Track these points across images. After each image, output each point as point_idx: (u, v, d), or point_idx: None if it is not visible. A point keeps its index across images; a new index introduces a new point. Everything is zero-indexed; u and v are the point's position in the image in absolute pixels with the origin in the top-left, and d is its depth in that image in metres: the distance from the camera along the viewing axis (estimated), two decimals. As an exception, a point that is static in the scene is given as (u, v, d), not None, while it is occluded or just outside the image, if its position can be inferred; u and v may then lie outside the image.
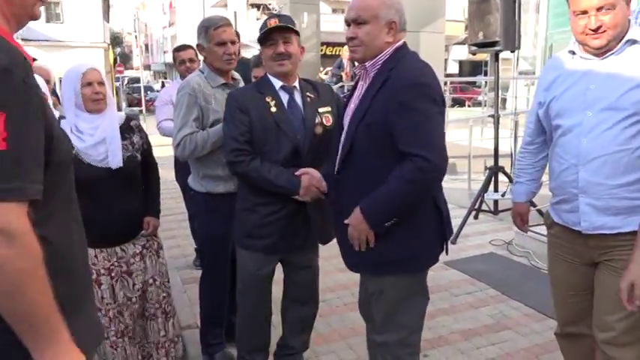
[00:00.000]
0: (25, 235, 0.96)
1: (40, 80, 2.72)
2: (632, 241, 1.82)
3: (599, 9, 1.78)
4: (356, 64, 2.08)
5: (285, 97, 2.33)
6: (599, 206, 1.88)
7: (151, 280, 2.53)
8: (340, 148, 1.97)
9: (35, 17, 1.22)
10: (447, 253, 2.05)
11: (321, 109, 2.35)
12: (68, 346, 1.05)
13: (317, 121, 2.33)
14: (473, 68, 35.97)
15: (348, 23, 1.92)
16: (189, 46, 4.17)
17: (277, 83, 2.33)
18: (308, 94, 2.38)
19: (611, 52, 1.85)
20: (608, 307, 1.93)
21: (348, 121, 1.96)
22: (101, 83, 2.32)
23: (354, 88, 2.05)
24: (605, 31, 1.80)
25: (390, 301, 1.99)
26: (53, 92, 3.44)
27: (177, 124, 2.56)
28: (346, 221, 1.88)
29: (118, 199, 2.36)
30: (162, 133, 4.27)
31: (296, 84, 2.38)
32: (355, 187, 1.90)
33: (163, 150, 5.08)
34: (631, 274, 1.75)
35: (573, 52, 1.96)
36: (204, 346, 2.92)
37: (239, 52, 2.78)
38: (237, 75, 2.85)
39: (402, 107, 1.77)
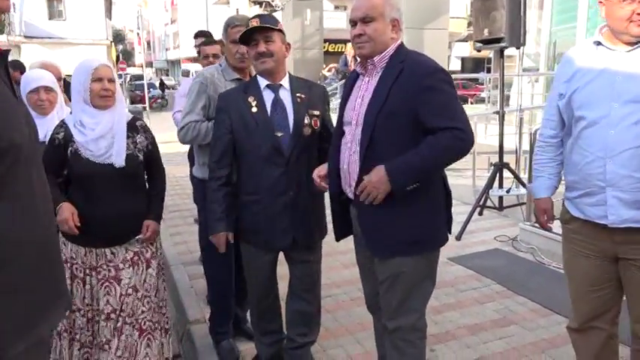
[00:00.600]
0: None
1: (49, 77, 2.75)
2: None
3: None
4: (358, 60, 2.14)
5: (269, 97, 2.36)
6: (627, 199, 1.87)
7: (130, 290, 2.40)
8: (359, 143, 2.01)
9: (3, 9, 1.25)
10: (450, 232, 2.16)
11: (311, 111, 2.38)
12: None
13: (307, 122, 2.35)
14: (475, 65, 35.89)
15: (354, 23, 2.02)
16: (219, 41, 4.19)
17: (263, 82, 2.38)
18: (299, 94, 2.39)
19: (638, 45, 1.86)
20: None
21: (362, 115, 2.00)
22: (111, 80, 2.31)
23: (353, 84, 2.12)
24: None
25: (405, 285, 2.06)
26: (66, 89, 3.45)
27: (186, 108, 2.70)
28: (365, 178, 1.92)
29: (113, 198, 2.32)
30: (176, 124, 4.30)
31: (284, 82, 2.39)
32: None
33: (171, 147, 5.10)
34: None
35: (598, 43, 1.96)
36: (212, 335, 3.03)
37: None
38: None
39: (429, 90, 1.89)
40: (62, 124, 2.36)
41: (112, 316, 2.38)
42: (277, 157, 2.31)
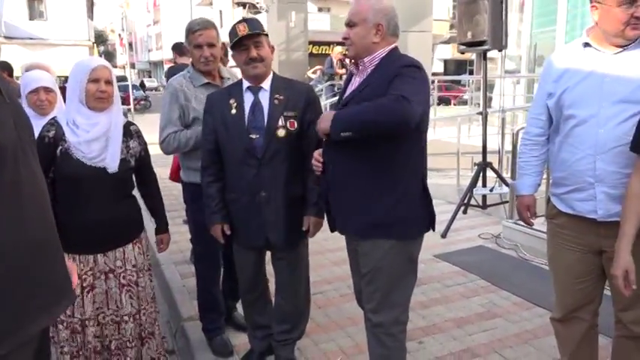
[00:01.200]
0: None
1: (49, 77, 2.79)
2: None
3: None
4: (347, 62, 2.29)
5: (249, 99, 2.43)
6: (615, 194, 1.98)
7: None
8: None
9: None
10: (433, 230, 2.24)
11: (287, 113, 2.41)
12: None
13: (280, 123, 2.39)
14: (458, 67, 36.30)
15: (346, 25, 2.15)
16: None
17: (245, 85, 2.45)
18: (277, 95, 2.42)
19: (625, 48, 1.95)
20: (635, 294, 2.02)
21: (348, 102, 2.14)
22: (109, 82, 2.27)
23: (347, 84, 2.23)
24: None
25: (385, 280, 2.13)
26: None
27: (162, 121, 2.79)
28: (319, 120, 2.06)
29: (101, 202, 2.30)
30: None
31: (265, 84, 2.45)
32: (352, 153, 2.05)
33: (156, 148, 5.11)
34: (622, 262, 1.87)
35: (587, 44, 2.04)
36: (204, 332, 3.08)
37: (226, 52, 2.88)
38: (226, 74, 2.96)
39: (399, 77, 1.97)
40: (53, 122, 2.30)
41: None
42: (250, 158, 2.38)
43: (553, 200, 2.21)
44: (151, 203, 2.66)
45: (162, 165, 4.25)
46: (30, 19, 25.73)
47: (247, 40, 2.34)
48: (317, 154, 2.20)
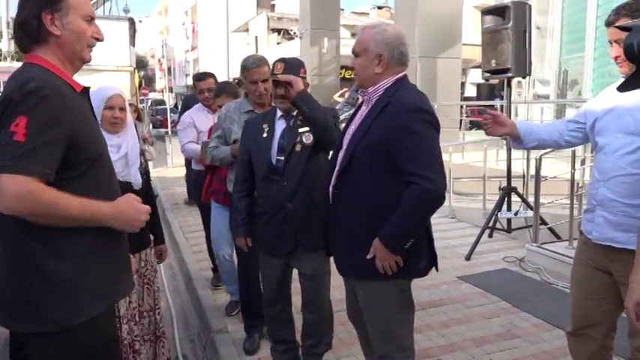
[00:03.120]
0: (31, 193, 1.43)
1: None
2: None
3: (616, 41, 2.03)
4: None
5: (281, 125, 2.69)
6: (613, 221, 2.06)
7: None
8: (338, 164, 2.20)
9: (86, 60, 1.69)
10: (437, 269, 2.27)
11: (300, 130, 2.63)
12: (109, 210, 1.61)
13: (297, 140, 2.63)
14: (490, 91, 36.05)
15: (352, 53, 2.22)
16: (210, 75, 4.56)
17: (279, 113, 2.72)
18: (300, 117, 2.62)
19: None
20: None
21: (348, 140, 2.18)
22: (122, 109, 2.53)
23: (356, 111, 2.27)
24: (625, 61, 1.97)
25: (380, 316, 2.19)
26: None
27: (211, 139, 3.35)
28: (369, 255, 2.06)
29: None
30: (186, 156, 4.68)
31: (295, 113, 2.67)
32: (350, 201, 2.13)
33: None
34: (635, 294, 1.86)
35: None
36: (245, 327, 3.41)
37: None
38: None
39: (403, 130, 1.99)
40: None
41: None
42: (274, 174, 2.64)
43: (582, 219, 2.33)
44: (152, 216, 2.88)
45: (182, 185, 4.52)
46: (77, 46, 26.97)
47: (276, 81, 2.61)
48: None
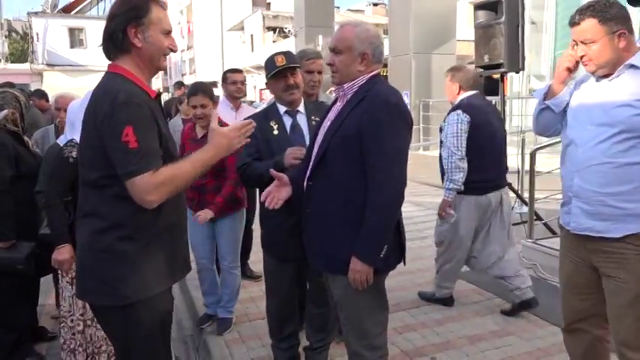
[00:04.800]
0: (158, 183, 1.71)
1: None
2: (619, 248, 2.05)
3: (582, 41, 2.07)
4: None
5: (288, 121, 2.68)
6: (589, 210, 2.10)
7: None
8: (313, 156, 2.19)
9: (161, 68, 1.91)
10: (404, 264, 2.25)
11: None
12: (211, 150, 1.86)
13: None
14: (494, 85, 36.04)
15: (330, 50, 2.18)
16: (241, 70, 4.77)
17: (282, 109, 2.69)
18: (313, 117, 2.67)
19: (612, 75, 2.07)
20: (617, 314, 2.13)
21: (322, 134, 2.19)
22: None
23: (330, 108, 2.27)
24: (590, 60, 2.06)
25: (352, 308, 2.17)
26: None
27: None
28: (349, 276, 2.04)
29: None
30: None
31: (300, 108, 2.70)
32: (324, 193, 2.13)
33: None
34: None
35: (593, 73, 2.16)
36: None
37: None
38: (324, 97, 3.28)
39: (376, 123, 2.01)
40: (74, 144, 2.53)
41: None
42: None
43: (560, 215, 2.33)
44: None
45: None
46: (71, 47, 26.99)
47: (285, 70, 2.62)
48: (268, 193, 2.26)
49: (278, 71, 2.61)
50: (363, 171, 2.04)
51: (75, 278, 2.06)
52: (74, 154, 2.52)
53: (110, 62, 1.84)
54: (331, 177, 2.10)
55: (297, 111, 2.69)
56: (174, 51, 1.91)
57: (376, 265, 2.05)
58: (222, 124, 2.47)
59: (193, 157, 1.83)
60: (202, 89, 3.44)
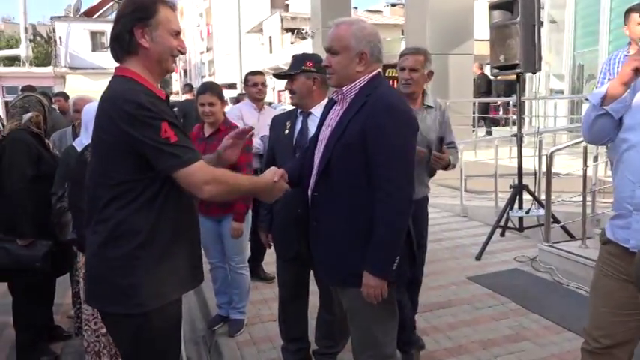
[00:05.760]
0: (213, 173, 1.75)
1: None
2: None
3: None
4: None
5: (299, 123, 2.73)
6: None
7: None
8: (316, 167, 2.11)
9: (169, 70, 1.87)
10: (414, 270, 2.24)
11: None
12: (261, 182, 1.99)
13: None
14: (508, 87, 35.62)
15: (326, 51, 2.08)
16: (262, 72, 4.82)
17: (299, 110, 2.77)
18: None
19: None
20: None
21: (325, 141, 2.10)
22: None
23: (329, 111, 2.18)
24: None
25: (362, 319, 2.13)
26: None
27: None
28: (363, 291, 1.97)
29: None
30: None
31: (315, 110, 2.69)
32: (330, 204, 2.05)
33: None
34: None
35: None
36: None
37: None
38: (430, 101, 3.00)
39: (380, 130, 1.93)
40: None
41: None
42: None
43: (605, 226, 2.11)
44: None
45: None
46: (92, 51, 27.39)
47: (284, 77, 2.73)
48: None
49: (282, 76, 2.75)
50: (368, 179, 1.97)
51: (85, 284, 2.07)
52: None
53: (118, 65, 1.81)
54: (336, 187, 2.03)
55: (310, 113, 2.72)
56: (183, 53, 1.87)
57: (390, 278, 1.99)
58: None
59: (248, 176, 1.97)
60: (210, 88, 3.49)
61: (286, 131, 2.75)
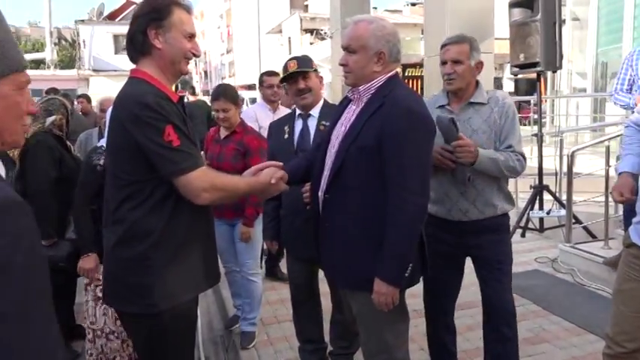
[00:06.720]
0: (212, 180, 1.76)
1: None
2: None
3: None
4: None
5: (299, 125, 2.73)
6: None
7: None
8: (329, 168, 2.04)
9: (183, 72, 1.87)
10: (426, 275, 2.14)
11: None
12: (258, 183, 1.96)
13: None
14: (530, 86, 35.11)
15: (343, 49, 2.01)
16: (277, 73, 4.70)
17: (297, 112, 2.76)
18: (323, 122, 2.64)
19: None
20: None
21: (338, 143, 2.03)
22: None
23: (343, 110, 2.11)
24: None
25: (372, 324, 2.08)
26: None
27: None
28: (374, 298, 1.92)
29: None
30: None
31: (314, 112, 2.69)
32: (342, 207, 1.99)
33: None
34: None
35: None
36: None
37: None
38: (481, 98, 2.48)
39: (397, 134, 1.87)
40: (102, 151, 2.49)
41: None
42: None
43: (630, 229, 2.09)
44: None
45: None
46: (115, 53, 27.82)
47: (296, 74, 2.65)
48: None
49: (289, 76, 2.67)
50: (382, 183, 1.90)
51: (102, 284, 2.08)
52: (101, 161, 2.53)
53: (133, 67, 1.82)
54: (349, 189, 1.97)
55: (310, 115, 2.71)
56: (197, 56, 1.86)
57: (402, 285, 1.95)
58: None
59: (245, 178, 1.97)
60: (224, 94, 3.36)
61: (286, 136, 2.72)
